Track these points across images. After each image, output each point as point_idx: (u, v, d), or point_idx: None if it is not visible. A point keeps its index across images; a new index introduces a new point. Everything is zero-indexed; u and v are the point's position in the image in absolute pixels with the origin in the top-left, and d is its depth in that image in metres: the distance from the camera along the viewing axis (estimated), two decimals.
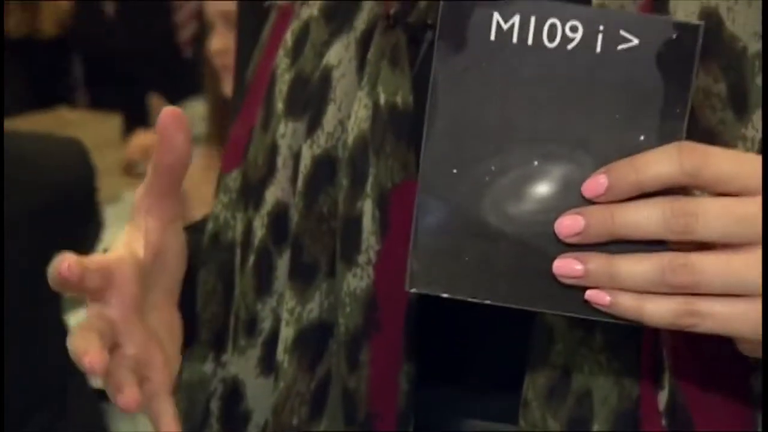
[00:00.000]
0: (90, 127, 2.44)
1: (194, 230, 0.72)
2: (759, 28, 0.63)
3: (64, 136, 1.50)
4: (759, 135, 0.60)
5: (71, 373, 0.60)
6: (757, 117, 0.60)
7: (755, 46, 0.61)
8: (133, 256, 0.59)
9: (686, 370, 0.59)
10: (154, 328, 0.61)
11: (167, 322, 0.64)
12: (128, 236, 0.61)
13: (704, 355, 0.58)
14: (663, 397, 0.59)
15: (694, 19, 0.60)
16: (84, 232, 1.05)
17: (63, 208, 0.62)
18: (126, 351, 0.57)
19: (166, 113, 0.58)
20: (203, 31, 2.13)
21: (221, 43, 1.95)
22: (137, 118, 2.51)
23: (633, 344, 0.58)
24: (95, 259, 0.56)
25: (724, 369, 0.59)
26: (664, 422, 0.59)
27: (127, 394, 0.54)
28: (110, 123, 2.55)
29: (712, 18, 0.60)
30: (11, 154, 1.37)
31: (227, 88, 1.91)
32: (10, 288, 0.61)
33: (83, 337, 0.53)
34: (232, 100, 0.78)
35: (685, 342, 0.56)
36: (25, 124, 2.12)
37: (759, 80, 0.61)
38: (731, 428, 0.61)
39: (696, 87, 0.57)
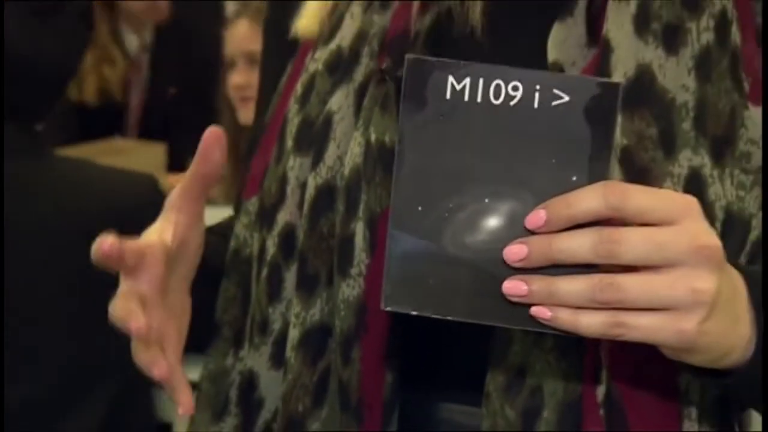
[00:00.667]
0: (139, 155, 2.52)
1: (210, 232, 0.75)
2: (686, 81, 0.66)
3: (141, 172, 1.59)
4: (685, 171, 0.64)
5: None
6: (683, 156, 0.65)
7: (683, 96, 0.65)
8: (163, 243, 0.64)
9: (620, 370, 0.63)
10: (171, 308, 0.66)
11: (181, 304, 0.68)
12: (159, 227, 0.66)
13: (635, 357, 0.61)
14: (601, 391, 0.63)
15: (631, 74, 0.65)
16: None
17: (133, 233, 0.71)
18: (151, 323, 0.61)
19: (210, 132, 0.64)
20: (224, 66, 2.24)
21: (242, 78, 2.07)
22: (180, 148, 2.60)
23: (577, 347, 0.62)
24: (131, 241, 0.61)
25: (653, 369, 0.62)
26: (601, 412, 0.63)
27: (162, 366, 0.61)
28: (156, 151, 2.63)
29: (645, 73, 0.65)
30: (94, 186, 1.51)
31: (243, 117, 2.01)
32: (92, 293, 0.70)
33: (124, 306, 0.60)
34: (253, 136, 0.84)
35: (619, 346, 0.59)
36: (78, 152, 2.19)
37: (685, 125, 0.65)
38: (659, 418, 0.65)
39: (631, 131, 0.63)
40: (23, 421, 1.45)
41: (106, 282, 0.65)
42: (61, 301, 1.47)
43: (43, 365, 1.47)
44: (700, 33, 0.66)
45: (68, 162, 1.63)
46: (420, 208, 0.56)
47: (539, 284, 0.53)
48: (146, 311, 0.61)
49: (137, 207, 1.45)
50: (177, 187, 0.67)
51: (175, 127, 2.78)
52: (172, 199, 0.67)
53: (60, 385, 1.46)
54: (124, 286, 0.62)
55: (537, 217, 0.53)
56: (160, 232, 0.64)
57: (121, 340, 0.64)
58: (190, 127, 2.51)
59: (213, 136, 0.64)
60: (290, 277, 0.72)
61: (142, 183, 1.56)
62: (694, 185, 0.63)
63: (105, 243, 0.58)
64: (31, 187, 1.48)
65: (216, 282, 0.78)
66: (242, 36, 2.11)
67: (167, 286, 0.65)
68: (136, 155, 2.46)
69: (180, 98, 2.65)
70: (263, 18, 0.91)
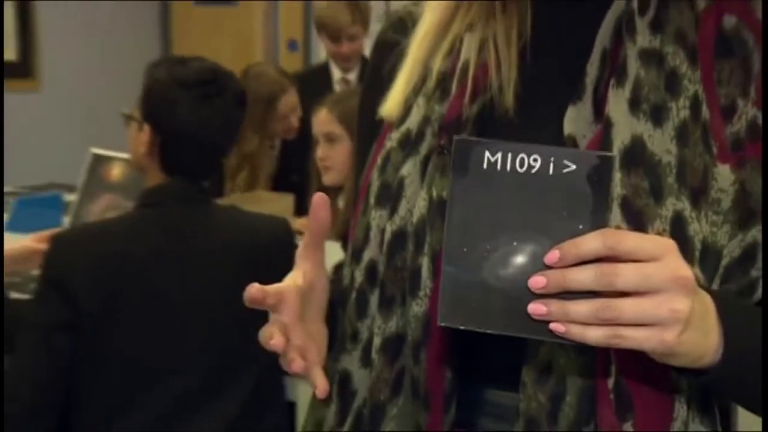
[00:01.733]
0: (274, 203, 2.72)
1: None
2: (669, 146, 0.70)
3: (276, 216, 1.79)
4: (670, 214, 0.69)
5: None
6: (669, 202, 0.68)
7: (667, 158, 0.69)
8: (296, 286, 0.71)
9: (625, 365, 0.68)
10: (310, 332, 0.73)
11: (318, 329, 0.75)
12: (294, 274, 0.73)
13: (636, 356, 0.64)
14: (611, 382, 0.68)
15: (627, 143, 0.70)
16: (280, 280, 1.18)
17: (271, 268, 0.79)
18: (293, 342, 0.69)
19: (317, 197, 0.71)
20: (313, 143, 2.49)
21: (321, 152, 2.34)
22: (302, 199, 2.81)
23: (591, 348, 0.64)
24: (273, 287, 0.69)
25: (650, 365, 0.65)
26: (612, 396, 0.68)
27: (297, 363, 0.69)
28: (287, 200, 2.84)
29: (638, 142, 0.70)
30: (243, 226, 1.71)
31: (325, 180, 2.32)
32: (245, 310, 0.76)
33: (269, 330, 0.68)
34: (354, 197, 0.88)
35: (623, 349, 0.62)
36: (231, 200, 2.39)
37: (669, 179, 0.69)
38: (657, 400, 0.69)
39: (629, 184, 0.68)
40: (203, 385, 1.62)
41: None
42: (221, 308, 1.61)
43: (217, 353, 1.63)
44: (679, 111, 0.70)
45: (225, 208, 1.82)
46: (465, 249, 0.63)
47: (555, 306, 0.60)
48: (290, 335, 0.69)
49: (275, 241, 1.66)
50: (301, 243, 0.75)
51: (298, 184, 2.97)
52: (299, 252, 0.75)
53: (223, 367, 1.61)
54: (272, 318, 0.70)
55: (553, 256, 0.60)
56: (294, 278, 0.72)
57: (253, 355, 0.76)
58: (306, 185, 2.66)
59: (319, 200, 0.72)
60: (373, 299, 0.78)
61: (277, 224, 1.74)
62: (678, 224, 0.68)
63: (252, 290, 0.66)
64: (199, 226, 1.67)
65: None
66: (322, 121, 2.34)
67: (304, 316, 0.72)
68: (272, 203, 2.64)
69: (300, 164, 2.84)
70: (359, 103, 0.96)
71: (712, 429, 0.73)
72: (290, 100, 3.06)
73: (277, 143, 3.28)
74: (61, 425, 1.63)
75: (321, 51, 3.78)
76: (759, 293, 0.72)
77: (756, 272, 0.71)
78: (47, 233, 1.90)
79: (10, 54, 4.48)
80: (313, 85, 3.27)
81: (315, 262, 0.74)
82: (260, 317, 0.73)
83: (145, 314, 1.61)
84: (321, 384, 0.72)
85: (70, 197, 2.87)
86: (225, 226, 1.68)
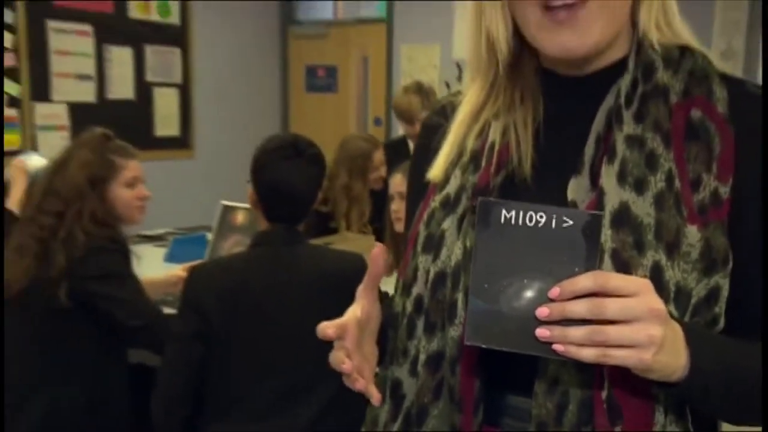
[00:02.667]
0: (358, 242, 2.68)
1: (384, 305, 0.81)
2: (649, 210, 0.69)
3: (357, 253, 1.75)
4: (650, 263, 0.68)
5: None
6: (649, 254, 0.68)
7: (647, 220, 0.68)
8: (356, 318, 0.72)
9: (615, 381, 0.67)
10: (365, 354, 0.74)
11: (371, 351, 0.76)
12: (354, 307, 0.74)
13: (624, 374, 0.64)
14: (604, 394, 0.67)
15: (616, 207, 0.69)
16: None
17: (350, 293, 0.81)
18: (354, 363, 0.71)
19: (377, 248, 0.73)
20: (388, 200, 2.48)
21: (395, 207, 2.33)
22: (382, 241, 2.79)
23: (589, 366, 0.64)
24: (337, 321, 0.71)
25: (635, 381, 0.65)
26: (605, 405, 0.67)
27: (360, 383, 0.71)
28: (369, 239, 2.76)
29: (624, 206, 0.69)
30: (331, 261, 1.69)
31: (398, 227, 2.27)
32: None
33: (337, 356, 0.71)
34: (404, 244, 0.86)
35: (614, 366, 0.62)
36: (322, 241, 2.42)
37: (649, 236, 0.68)
38: (641, 408, 0.68)
39: (617, 239, 0.67)
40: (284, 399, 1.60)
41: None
42: (311, 326, 1.58)
43: (307, 362, 1.58)
44: (656, 183, 0.69)
45: (316, 247, 1.81)
46: (486, 285, 0.64)
47: (557, 331, 0.61)
48: (351, 357, 0.71)
49: (353, 272, 1.62)
50: (362, 283, 0.75)
51: (378, 229, 2.94)
52: (359, 290, 0.75)
53: (311, 372, 1.58)
54: (337, 344, 0.72)
55: (555, 292, 0.61)
56: (354, 311, 0.73)
57: None
58: (383, 230, 2.63)
59: (378, 252, 0.73)
60: (420, 324, 0.77)
61: (356, 259, 1.70)
62: (656, 271, 0.67)
63: (325, 329, 0.70)
64: (294, 261, 1.66)
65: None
66: (397, 183, 2.35)
67: (362, 342, 0.73)
68: (356, 242, 2.63)
69: (380, 214, 2.84)
70: (409, 170, 0.95)
71: (685, 430, 0.71)
72: (380, 156, 3.07)
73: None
74: (195, 411, 1.65)
75: (399, 126, 3.79)
76: (721, 325, 0.71)
77: (718, 309, 0.70)
78: (189, 264, 1.94)
79: (174, 130, 4.62)
80: (393, 153, 3.28)
81: (371, 299, 0.75)
82: None
83: (256, 329, 1.61)
84: (375, 396, 0.73)
85: (211, 236, 2.98)
86: (315, 260, 1.67)
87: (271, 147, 1.67)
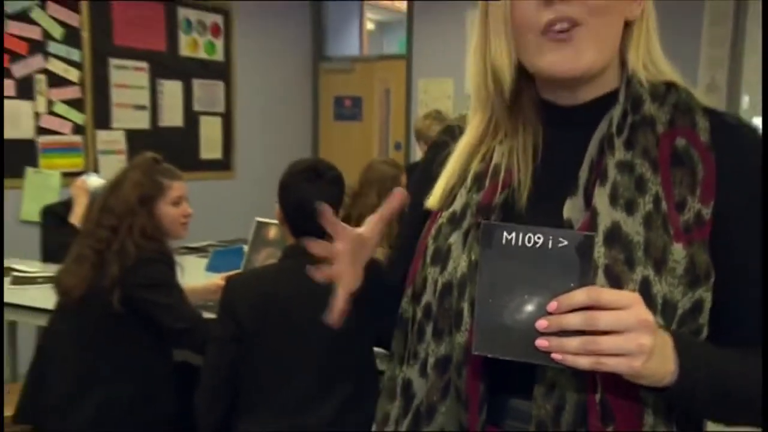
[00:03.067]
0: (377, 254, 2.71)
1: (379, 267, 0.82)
2: (638, 230, 0.68)
3: (374, 258, 1.77)
4: (640, 278, 0.66)
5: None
6: (638, 270, 0.66)
7: (636, 238, 0.68)
8: (355, 231, 0.74)
9: (608, 386, 0.66)
10: (353, 265, 0.74)
11: (358, 269, 0.75)
12: (359, 228, 0.75)
13: (615, 379, 0.63)
14: (598, 397, 0.66)
15: (608, 226, 0.68)
16: None
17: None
18: (337, 267, 0.73)
19: (398, 192, 0.75)
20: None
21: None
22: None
23: (584, 372, 0.63)
24: (341, 224, 0.73)
25: (625, 386, 0.65)
26: (598, 408, 0.66)
27: (322, 273, 0.73)
28: (381, 251, 2.79)
29: (616, 226, 0.68)
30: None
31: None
32: (346, 331, 0.78)
33: (325, 246, 0.73)
34: (396, 240, 0.89)
35: (607, 372, 0.62)
36: None
37: (639, 253, 0.67)
38: (630, 410, 0.67)
39: (610, 256, 0.67)
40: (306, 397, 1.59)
41: (350, 328, 0.77)
42: (332, 332, 1.58)
43: (328, 363, 1.58)
44: (645, 204, 0.69)
45: None
46: (491, 300, 0.63)
47: (555, 341, 0.60)
48: (336, 260, 0.73)
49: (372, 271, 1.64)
50: (375, 214, 0.76)
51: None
52: (368, 219, 0.76)
53: (333, 372, 1.58)
54: (332, 245, 0.73)
55: (552, 306, 0.60)
56: (359, 230, 0.75)
57: (356, 359, 0.75)
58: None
59: (399, 194, 0.75)
60: (429, 330, 0.76)
61: (376, 264, 1.69)
62: (645, 286, 0.66)
63: (325, 211, 0.71)
64: (319, 283, 1.64)
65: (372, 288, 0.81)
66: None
67: (352, 255, 0.74)
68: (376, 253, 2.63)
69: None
70: (411, 180, 0.95)
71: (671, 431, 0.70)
72: (405, 179, 3.04)
73: None
74: (232, 404, 1.64)
75: (418, 150, 3.78)
76: (705, 335, 0.70)
77: (702, 320, 0.69)
78: (227, 274, 1.94)
79: (217, 154, 4.62)
80: (412, 175, 3.26)
81: (375, 229, 0.76)
82: (356, 342, 0.74)
83: (283, 334, 1.61)
84: (337, 308, 0.74)
85: (247, 248, 2.98)
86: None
87: (295, 170, 1.67)
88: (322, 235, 0.70)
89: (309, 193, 1.61)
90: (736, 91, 3.90)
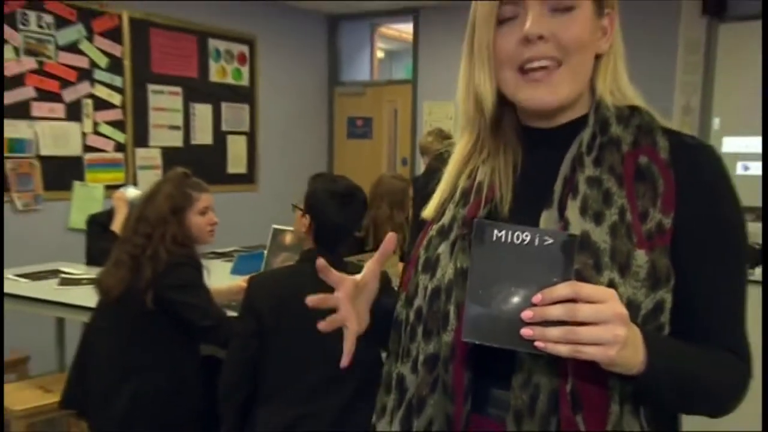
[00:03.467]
0: (389, 261, 2.69)
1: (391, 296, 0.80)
2: (605, 238, 0.67)
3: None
4: (606, 281, 0.65)
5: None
6: (605, 273, 0.66)
7: (603, 245, 0.67)
8: (355, 279, 0.73)
9: (578, 376, 0.65)
10: (358, 311, 0.73)
11: (362, 313, 0.74)
12: (358, 275, 0.74)
13: (584, 370, 0.63)
14: (568, 388, 0.65)
15: (579, 232, 0.67)
16: None
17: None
18: (340, 314, 0.71)
19: (390, 235, 0.73)
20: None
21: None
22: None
23: (556, 365, 0.64)
24: (338, 274, 0.71)
25: (595, 373, 0.63)
26: (568, 398, 0.65)
27: (325, 326, 0.71)
28: (394, 258, 2.76)
29: (586, 235, 0.68)
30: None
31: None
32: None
33: (328, 299, 0.71)
34: (406, 261, 0.84)
35: (576, 361, 0.62)
36: (357, 258, 2.39)
37: (606, 259, 0.66)
38: (598, 398, 0.66)
39: (580, 261, 0.65)
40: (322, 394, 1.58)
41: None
42: (340, 332, 1.58)
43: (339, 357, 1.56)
44: (611, 216, 0.68)
45: (351, 264, 1.78)
46: (480, 292, 0.62)
47: (539, 330, 0.60)
48: (339, 307, 0.71)
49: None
50: (371, 259, 0.75)
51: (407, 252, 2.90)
52: (367, 264, 0.75)
53: (337, 372, 1.50)
54: (330, 297, 0.72)
55: (537, 298, 0.60)
56: (357, 277, 0.74)
57: (364, 355, 0.76)
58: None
59: (391, 238, 0.74)
60: (419, 330, 0.75)
61: (381, 274, 1.68)
62: (611, 287, 0.64)
63: (322, 266, 0.70)
64: None
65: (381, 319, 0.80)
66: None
67: (355, 301, 0.73)
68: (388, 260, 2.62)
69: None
70: (413, 200, 0.95)
71: (638, 422, 0.69)
72: (411, 191, 3.05)
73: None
74: (250, 396, 1.65)
75: (422, 164, 3.77)
76: (666, 332, 0.69)
77: (663, 319, 0.68)
78: (249, 276, 1.94)
79: (242, 169, 4.63)
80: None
81: (374, 272, 0.75)
82: (361, 344, 0.74)
83: (298, 330, 1.58)
84: (347, 351, 0.72)
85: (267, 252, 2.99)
86: (348, 274, 1.67)
87: (328, 189, 1.66)
88: (341, 244, 0.66)
89: (337, 215, 1.63)
90: (708, 113, 3.88)
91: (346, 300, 0.72)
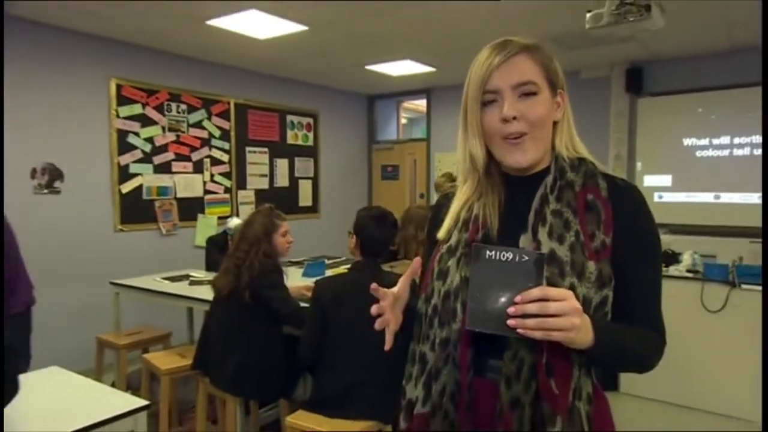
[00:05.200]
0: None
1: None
2: (566, 254, 0.66)
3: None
4: (567, 284, 0.64)
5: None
6: (567, 279, 0.65)
7: (565, 259, 0.65)
8: (393, 292, 0.70)
9: (549, 349, 0.64)
10: (395, 314, 0.70)
11: (398, 315, 0.71)
12: (395, 288, 0.71)
13: (554, 344, 0.62)
14: (544, 359, 0.65)
15: (547, 252, 0.66)
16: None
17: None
18: (386, 316, 0.68)
19: (417, 260, 0.71)
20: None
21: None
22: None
23: (536, 343, 0.63)
24: (384, 290, 0.69)
25: (561, 348, 0.63)
26: (544, 367, 0.64)
27: (383, 324, 0.69)
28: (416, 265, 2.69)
29: (552, 252, 0.67)
30: (395, 280, 1.60)
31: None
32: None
33: (378, 307, 0.68)
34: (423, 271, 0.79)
35: (550, 343, 0.62)
36: (389, 267, 2.28)
37: (568, 268, 0.65)
38: (564, 368, 0.64)
39: (548, 270, 0.65)
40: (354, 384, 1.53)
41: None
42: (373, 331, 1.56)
43: (373, 338, 1.41)
44: (569, 238, 0.67)
45: (386, 272, 1.74)
46: (478, 295, 0.62)
47: (520, 321, 0.60)
48: (385, 312, 0.69)
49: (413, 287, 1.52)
50: (404, 275, 0.73)
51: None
52: (401, 279, 0.73)
53: (375, 346, 1.47)
54: (379, 305, 0.69)
55: (518, 299, 0.60)
56: (394, 289, 0.71)
57: (397, 344, 0.72)
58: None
59: (418, 261, 0.72)
60: (435, 321, 0.72)
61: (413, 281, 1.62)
62: (571, 289, 0.64)
63: (376, 291, 0.68)
64: (373, 279, 1.52)
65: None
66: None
67: (394, 306, 0.70)
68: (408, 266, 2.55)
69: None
70: (426, 229, 0.87)
71: (590, 381, 0.68)
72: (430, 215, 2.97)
73: None
74: (317, 358, 1.63)
75: (434, 197, 3.74)
76: (609, 318, 0.67)
77: (607, 309, 0.67)
78: (315, 279, 1.94)
79: (309, 202, 4.62)
80: None
81: (406, 286, 0.73)
82: (399, 331, 0.72)
83: (350, 317, 1.59)
84: (389, 341, 0.70)
85: (328, 261, 2.99)
86: (383, 279, 1.62)
87: (369, 215, 1.65)
88: (381, 256, 0.63)
89: (377, 232, 1.61)
90: (633, 159, 3.89)
91: (389, 308, 0.70)
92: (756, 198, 3.43)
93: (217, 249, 2.91)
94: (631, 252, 0.68)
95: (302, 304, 1.90)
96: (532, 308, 0.59)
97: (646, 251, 0.69)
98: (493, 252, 0.61)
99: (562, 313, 0.59)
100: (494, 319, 0.60)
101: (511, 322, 0.59)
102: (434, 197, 4.12)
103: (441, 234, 0.77)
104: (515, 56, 0.69)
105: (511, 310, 0.59)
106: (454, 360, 0.70)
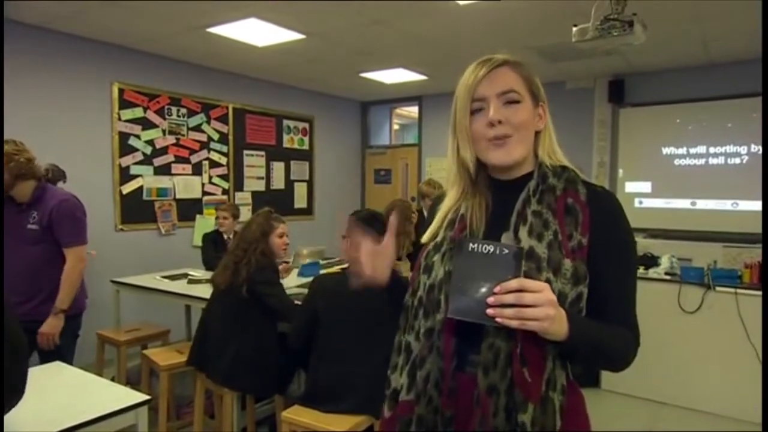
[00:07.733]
0: (405, 266, 2.52)
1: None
2: (544, 251, 0.65)
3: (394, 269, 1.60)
4: (544, 278, 0.63)
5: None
6: (543, 274, 0.63)
7: (543, 256, 0.65)
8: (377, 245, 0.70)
9: (524, 339, 0.64)
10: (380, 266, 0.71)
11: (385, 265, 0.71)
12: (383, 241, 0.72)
13: (529, 334, 0.62)
14: (519, 349, 0.64)
15: (527, 249, 0.66)
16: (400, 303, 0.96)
17: (396, 296, 0.77)
18: (367, 264, 0.70)
19: (391, 220, 0.71)
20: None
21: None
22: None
23: (511, 335, 0.64)
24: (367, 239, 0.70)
25: (536, 338, 0.63)
26: (518, 358, 0.64)
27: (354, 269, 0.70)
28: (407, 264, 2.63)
29: (531, 249, 0.67)
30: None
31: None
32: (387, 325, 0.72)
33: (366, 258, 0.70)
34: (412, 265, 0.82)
35: (524, 331, 0.61)
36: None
37: (544, 264, 0.64)
38: (537, 356, 0.64)
39: (527, 266, 0.64)
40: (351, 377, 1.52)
41: (383, 310, 0.73)
42: (372, 312, 1.48)
43: (372, 328, 1.47)
44: (548, 236, 0.67)
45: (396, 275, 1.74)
46: (460, 285, 0.61)
47: (498, 311, 0.59)
48: (365, 259, 0.70)
49: (394, 282, 1.52)
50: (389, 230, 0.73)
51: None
52: (386, 236, 0.72)
53: (373, 336, 1.47)
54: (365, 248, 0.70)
55: (497, 289, 0.59)
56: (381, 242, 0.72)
57: (389, 330, 0.72)
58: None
59: (392, 220, 0.72)
60: (421, 312, 0.72)
61: (396, 276, 1.61)
62: (548, 283, 0.64)
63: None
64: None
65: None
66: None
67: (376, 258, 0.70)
68: (405, 265, 2.53)
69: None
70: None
71: (564, 374, 0.67)
72: (414, 207, 2.97)
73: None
74: (307, 349, 1.61)
75: (420, 203, 3.74)
76: (584, 314, 0.67)
77: (582, 305, 0.67)
78: (309, 278, 1.94)
79: (304, 205, 4.56)
80: (420, 215, 3.21)
81: (392, 242, 0.73)
82: (387, 321, 0.72)
83: (342, 312, 1.59)
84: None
85: (323, 262, 2.97)
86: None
87: (358, 216, 1.64)
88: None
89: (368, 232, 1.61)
90: (615, 167, 3.93)
91: (370, 256, 0.70)
92: (729, 205, 3.52)
93: (212, 245, 2.90)
94: (606, 253, 0.68)
95: (297, 302, 1.89)
96: (509, 298, 0.58)
97: (622, 253, 0.69)
98: (476, 245, 0.60)
99: (537, 303, 0.58)
100: (474, 308, 0.59)
101: (489, 311, 0.58)
102: (420, 203, 4.13)
103: (429, 232, 0.78)
104: (499, 68, 0.70)
105: (490, 300, 0.59)
106: (438, 349, 0.69)
